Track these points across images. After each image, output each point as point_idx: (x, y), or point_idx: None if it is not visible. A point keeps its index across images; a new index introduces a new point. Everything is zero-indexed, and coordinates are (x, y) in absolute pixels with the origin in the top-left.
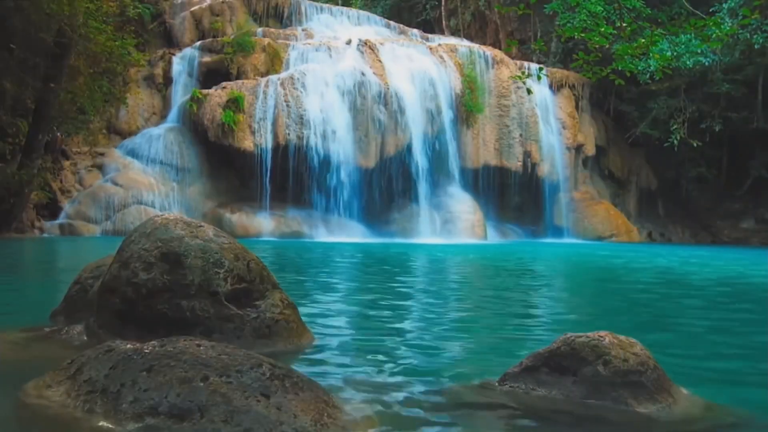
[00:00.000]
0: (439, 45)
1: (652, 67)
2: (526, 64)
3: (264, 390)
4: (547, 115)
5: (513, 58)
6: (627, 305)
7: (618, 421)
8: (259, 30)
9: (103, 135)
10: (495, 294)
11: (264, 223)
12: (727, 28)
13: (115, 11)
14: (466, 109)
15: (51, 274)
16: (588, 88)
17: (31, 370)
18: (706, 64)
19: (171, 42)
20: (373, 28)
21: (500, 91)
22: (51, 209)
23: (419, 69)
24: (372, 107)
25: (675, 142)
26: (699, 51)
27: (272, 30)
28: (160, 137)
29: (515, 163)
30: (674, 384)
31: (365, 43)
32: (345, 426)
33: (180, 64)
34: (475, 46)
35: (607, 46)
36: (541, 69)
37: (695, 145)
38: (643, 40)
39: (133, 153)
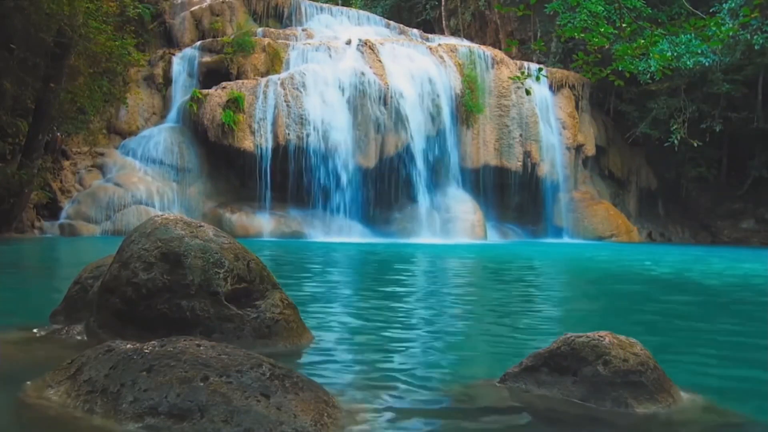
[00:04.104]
0: (439, 45)
1: (652, 68)
2: (526, 64)
3: (264, 390)
4: (547, 115)
5: (513, 58)
6: (627, 305)
7: (618, 421)
8: (259, 30)
9: (103, 135)
10: (495, 294)
11: (264, 223)
12: (728, 28)
13: (115, 11)
14: (466, 109)
15: (51, 274)
16: (588, 88)
17: (31, 370)
18: (707, 64)
19: (171, 42)
20: (373, 28)
21: (500, 91)
22: (51, 209)
23: (419, 69)
24: (372, 107)
25: (675, 142)
26: (699, 51)
27: (272, 30)
28: (160, 137)
29: (515, 163)
30: (674, 384)
31: (365, 43)
32: (345, 426)
33: (180, 64)
34: (475, 46)
35: (607, 46)
36: (540, 69)
37: (695, 145)
38: (643, 41)
39: (133, 153)
